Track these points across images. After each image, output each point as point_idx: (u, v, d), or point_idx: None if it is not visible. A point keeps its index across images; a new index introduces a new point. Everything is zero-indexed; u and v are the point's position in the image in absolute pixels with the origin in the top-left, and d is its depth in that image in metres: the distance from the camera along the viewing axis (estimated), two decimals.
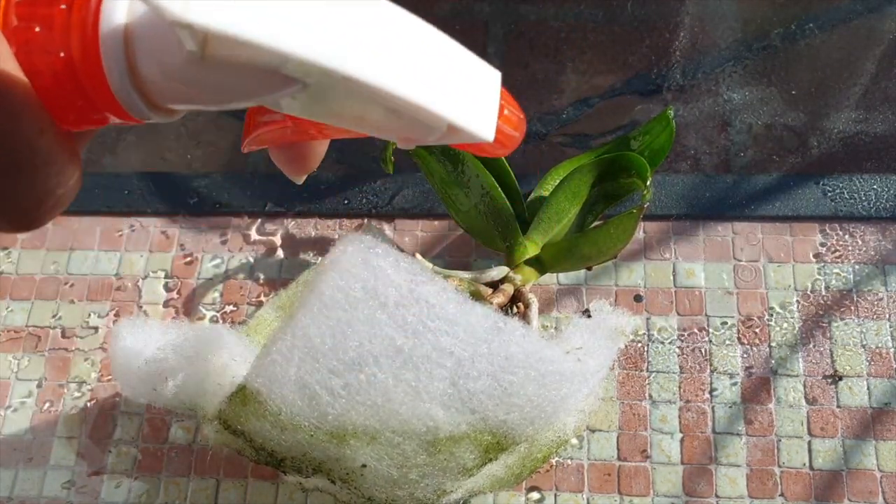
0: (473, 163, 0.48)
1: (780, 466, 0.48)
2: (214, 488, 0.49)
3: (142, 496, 0.49)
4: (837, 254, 0.53)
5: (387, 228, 0.56)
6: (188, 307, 0.55)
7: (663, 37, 0.63)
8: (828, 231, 0.54)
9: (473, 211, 0.50)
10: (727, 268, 0.53)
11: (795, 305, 0.52)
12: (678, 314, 0.52)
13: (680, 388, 0.50)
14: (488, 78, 0.22)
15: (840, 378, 0.50)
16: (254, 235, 0.57)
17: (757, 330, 0.51)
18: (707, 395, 0.50)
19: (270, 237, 0.57)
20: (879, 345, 0.51)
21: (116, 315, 0.55)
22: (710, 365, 0.50)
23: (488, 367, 0.39)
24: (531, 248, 0.48)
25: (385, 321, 0.39)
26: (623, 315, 0.43)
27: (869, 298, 0.52)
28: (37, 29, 0.19)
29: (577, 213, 0.49)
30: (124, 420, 0.51)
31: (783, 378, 0.50)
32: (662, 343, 0.51)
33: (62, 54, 0.20)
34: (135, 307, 0.55)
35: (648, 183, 0.46)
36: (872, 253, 0.53)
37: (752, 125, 0.59)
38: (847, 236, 0.54)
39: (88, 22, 0.20)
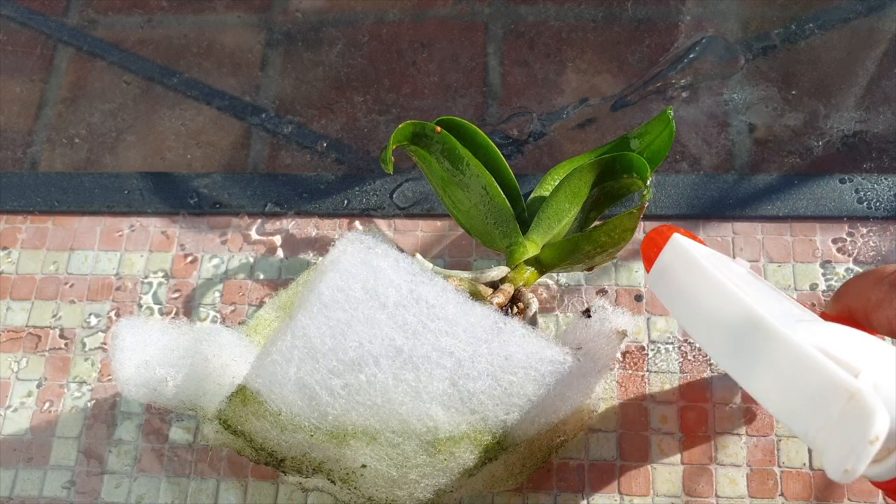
0: (473, 163, 0.48)
1: (780, 466, 0.48)
2: (214, 488, 0.49)
3: (142, 496, 0.49)
4: (838, 253, 0.53)
5: (387, 228, 0.56)
6: (188, 307, 0.55)
7: (663, 37, 0.63)
8: (828, 231, 0.54)
9: (473, 211, 0.50)
10: None
11: None
12: None
13: (680, 388, 0.50)
14: None
15: None
16: (254, 235, 0.57)
17: None
18: (707, 395, 0.50)
19: (270, 237, 0.57)
20: None
21: (116, 315, 0.55)
22: (711, 365, 0.50)
23: (488, 368, 0.39)
24: (531, 248, 0.48)
25: (385, 321, 0.39)
26: (623, 315, 0.43)
27: None
28: None
29: (577, 213, 0.49)
30: (124, 420, 0.51)
31: None
32: (663, 343, 0.51)
33: None
34: (135, 307, 0.55)
35: (648, 183, 0.46)
36: (873, 252, 0.53)
37: (753, 125, 0.59)
38: (847, 235, 0.54)
39: None
